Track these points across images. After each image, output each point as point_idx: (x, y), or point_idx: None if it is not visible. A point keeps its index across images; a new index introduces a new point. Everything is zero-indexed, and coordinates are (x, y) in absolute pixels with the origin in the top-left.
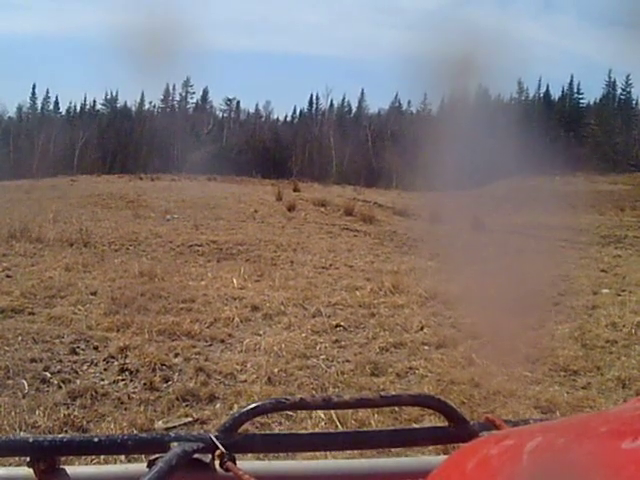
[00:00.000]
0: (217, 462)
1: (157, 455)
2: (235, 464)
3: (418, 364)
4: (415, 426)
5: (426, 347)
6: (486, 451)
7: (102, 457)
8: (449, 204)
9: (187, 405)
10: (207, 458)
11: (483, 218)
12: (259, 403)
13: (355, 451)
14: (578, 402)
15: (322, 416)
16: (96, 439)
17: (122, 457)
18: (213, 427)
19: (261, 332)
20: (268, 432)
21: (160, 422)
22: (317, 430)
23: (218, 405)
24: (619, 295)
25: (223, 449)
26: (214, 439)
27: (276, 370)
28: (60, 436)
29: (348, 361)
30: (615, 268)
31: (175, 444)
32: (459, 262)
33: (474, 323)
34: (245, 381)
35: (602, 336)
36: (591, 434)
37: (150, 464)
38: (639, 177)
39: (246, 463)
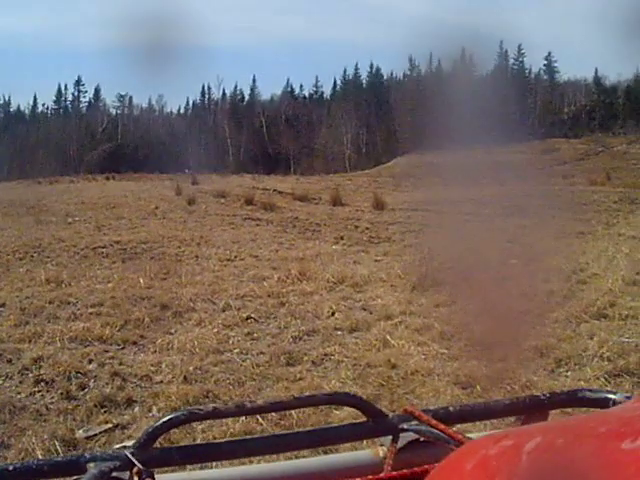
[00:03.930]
0: (136, 479)
1: (75, 477)
2: (154, 479)
3: (333, 350)
4: (334, 424)
5: (339, 332)
6: (485, 451)
7: None
8: (348, 185)
9: (106, 411)
10: (125, 476)
11: (383, 197)
12: (172, 415)
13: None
14: (497, 375)
15: None
16: (11, 467)
17: None
18: (135, 431)
19: (173, 331)
20: (184, 444)
21: (81, 431)
22: (234, 438)
23: (137, 409)
24: (526, 265)
25: (140, 466)
26: (130, 456)
27: (191, 368)
28: None
29: (262, 353)
30: (521, 238)
31: (92, 464)
32: (364, 244)
33: (385, 304)
34: (161, 382)
35: (514, 306)
36: (591, 434)
37: None
38: (537, 145)
39: (165, 476)
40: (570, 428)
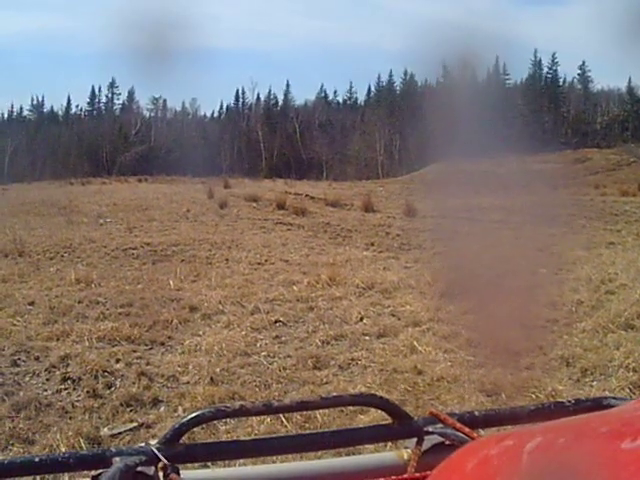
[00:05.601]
0: (161, 474)
1: (100, 471)
2: (179, 475)
3: (360, 355)
4: (359, 426)
5: (367, 337)
6: (486, 451)
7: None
8: (380, 192)
9: (131, 410)
10: (150, 471)
11: (415, 204)
12: (199, 412)
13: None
14: (522, 383)
15: None
16: (37, 459)
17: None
18: (160, 430)
19: (201, 332)
20: (210, 441)
21: (105, 429)
22: (260, 436)
23: (162, 408)
24: (555, 274)
25: (166, 461)
26: (156, 451)
27: (218, 370)
28: None
29: (289, 356)
30: (551, 247)
31: (117, 459)
32: (394, 250)
33: (413, 311)
34: (188, 383)
35: (542, 315)
36: (591, 434)
37: None
38: (569, 155)
39: (190, 472)
40: (571, 428)
